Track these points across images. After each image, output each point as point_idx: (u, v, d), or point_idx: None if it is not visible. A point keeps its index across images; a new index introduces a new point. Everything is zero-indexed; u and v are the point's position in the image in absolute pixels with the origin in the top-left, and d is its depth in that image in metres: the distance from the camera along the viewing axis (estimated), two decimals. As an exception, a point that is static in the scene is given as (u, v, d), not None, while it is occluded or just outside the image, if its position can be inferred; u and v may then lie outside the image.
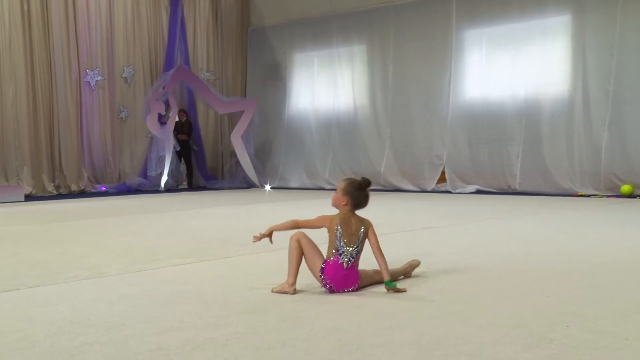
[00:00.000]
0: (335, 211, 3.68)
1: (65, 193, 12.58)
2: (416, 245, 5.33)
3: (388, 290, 3.55)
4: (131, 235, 6.39)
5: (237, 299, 3.48)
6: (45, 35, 12.41)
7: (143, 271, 4.34)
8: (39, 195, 12.18)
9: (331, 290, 3.56)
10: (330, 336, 2.74)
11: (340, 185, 3.67)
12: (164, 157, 13.63)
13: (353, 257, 3.58)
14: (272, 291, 3.59)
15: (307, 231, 3.66)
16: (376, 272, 3.69)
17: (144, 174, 13.84)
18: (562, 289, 3.60)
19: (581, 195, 10.59)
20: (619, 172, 10.50)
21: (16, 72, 12.07)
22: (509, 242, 5.54)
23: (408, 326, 2.88)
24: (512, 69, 11.62)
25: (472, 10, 12.04)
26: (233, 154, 14.56)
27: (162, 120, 13.64)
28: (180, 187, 14.50)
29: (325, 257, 3.61)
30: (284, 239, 3.77)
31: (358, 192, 3.63)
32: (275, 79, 14.92)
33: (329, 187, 13.49)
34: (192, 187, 14.45)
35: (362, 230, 3.61)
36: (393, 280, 3.59)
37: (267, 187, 13.60)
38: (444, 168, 12.38)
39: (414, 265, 4.01)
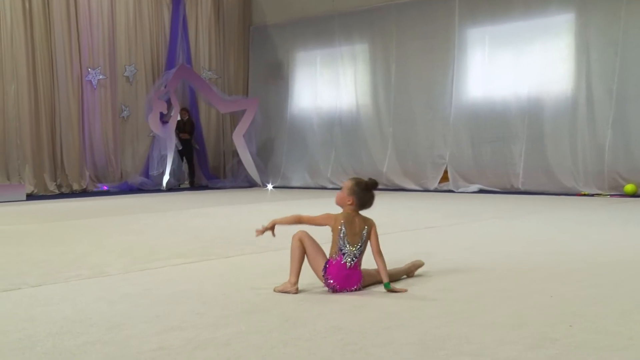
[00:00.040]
0: (339, 210, 3.67)
1: (67, 192, 12.57)
2: (418, 245, 5.33)
3: (388, 291, 3.55)
4: (133, 234, 6.39)
5: (238, 298, 3.47)
6: (47, 33, 12.40)
7: (145, 270, 4.34)
8: (41, 194, 12.16)
9: (334, 290, 3.55)
10: (332, 336, 2.73)
11: (347, 184, 3.65)
12: (166, 156, 13.62)
13: (356, 257, 3.57)
14: (274, 290, 3.58)
15: (309, 230, 3.65)
16: (378, 271, 3.68)
17: (146, 173, 13.83)
18: (564, 289, 3.59)
19: (584, 195, 10.56)
20: (623, 171, 10.47)
21: (18, 71, 12.07)
22: (511, 241, 5.53)
23: (410, 326, 2.87)
24: (515, 68, 11.58)
25: (474, 8, 12.00)
26: (235, 153, 14.54)
27: (164, 119, 13.63)
28: (182, 186, 14.48)
29: (327, 256, 3.60)
30: (286, 238, 3.76)
31: (364, 193, 3.60)
32: (278, 77, 14.91)
33: (331, 186, 13.48)
34: (194, 186, 14.45)
35: (365, 230, 3.59)
36: (394, 280, 3.58)
37: (269, 186, 13.60)
38: (446, 167, 12.35)
39: (418, 265, 4.00)
